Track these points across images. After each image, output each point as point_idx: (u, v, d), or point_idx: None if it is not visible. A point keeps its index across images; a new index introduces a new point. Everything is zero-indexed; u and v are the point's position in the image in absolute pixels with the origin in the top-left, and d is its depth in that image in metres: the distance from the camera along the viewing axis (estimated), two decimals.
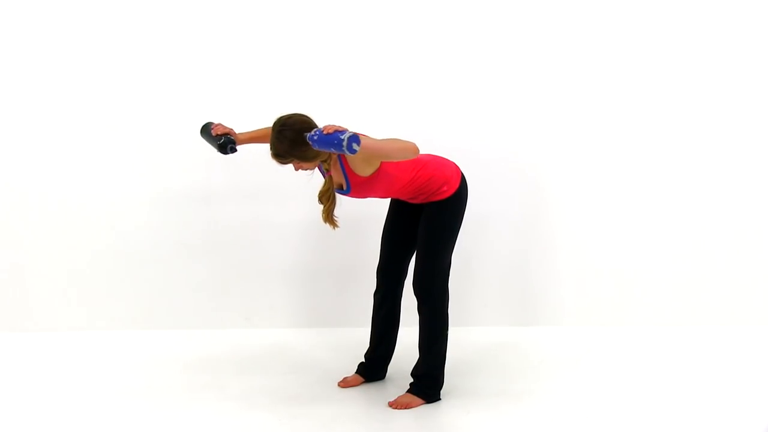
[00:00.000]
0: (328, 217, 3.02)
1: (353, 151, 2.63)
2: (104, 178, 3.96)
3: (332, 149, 2.65)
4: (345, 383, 3.28)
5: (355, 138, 2.63)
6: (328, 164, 2.93)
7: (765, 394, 3.19)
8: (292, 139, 2.78)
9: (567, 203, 4.09)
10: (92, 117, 3.93)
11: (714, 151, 4.09)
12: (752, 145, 4.08)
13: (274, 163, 2.87)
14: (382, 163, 2.89)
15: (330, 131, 2.65)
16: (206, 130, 3.10)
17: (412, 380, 3.12)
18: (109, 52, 3.90)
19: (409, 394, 3.07)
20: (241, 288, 4.05)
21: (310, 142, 2.70)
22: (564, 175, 4.08)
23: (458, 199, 3.07)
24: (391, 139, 2.80)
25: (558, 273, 4.12)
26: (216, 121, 3.11)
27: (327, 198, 3.00)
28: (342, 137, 2.61)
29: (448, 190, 3.04)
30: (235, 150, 3.02)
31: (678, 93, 4.05)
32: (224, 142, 2.99)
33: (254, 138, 3.10)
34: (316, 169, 2.99)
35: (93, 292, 3.99)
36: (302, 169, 2.90)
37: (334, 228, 3.04)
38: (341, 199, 3.03)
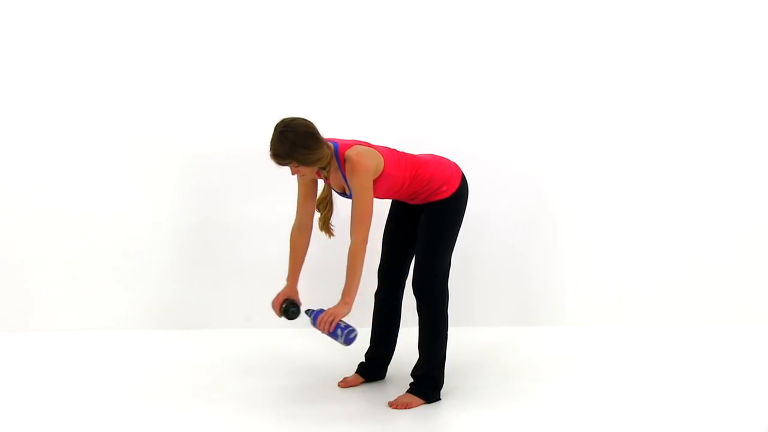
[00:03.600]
0: (325, 225, 3.02)
1: (351, 342, 2.87)
2: (104, 179, 3.96)
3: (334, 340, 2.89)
4: (345, 383, 3.28)
5: (350, 332, 2.85)
6: (327, 171, 2.92)
7: (765, 394, 3.19)
8: (294, 141, 2.78)
9: (567, 204, 4.09)
10: (93, 117, 3.94)
11: (713, 152, 4.09)
12: (752, 146, 4.09)
13: (273, 164, 2.86)
14: (383, 166, 2.90)
15: (331, 330, 2.84)
16: (290, 317, 3.08)
17: (412, 380, 3.11)
18: (112, 55, 3.91)
19: (409, 394, 3.07)
20: (241, 288, 4.05)
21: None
22: (564, 176, 4.08)
23: (458, 198, 3.07)
24: (349, 273, 2.88)
25: (558, 273, 4.12)
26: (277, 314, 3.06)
27: (324, 206, 3.00)
28: (339, 335, 2.85)
29: (448, 190, 3.04)
30: (298, 308, 3.03)
31: (677, 95, 4.06)
32: (285, 312, 3.01)
33: (296, 270, 3.10)
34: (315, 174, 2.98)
35: (93, 292, 3.99)
36: (299, 174, 2.89)
37: (329, 237, 3.05)
38: (339, 205, 3.03)
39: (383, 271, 3.26)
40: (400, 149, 3.08)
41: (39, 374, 3.37)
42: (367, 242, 2.86)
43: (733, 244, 4.12)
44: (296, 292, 3.07)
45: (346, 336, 2.85)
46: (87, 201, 3.97)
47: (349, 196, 3.00)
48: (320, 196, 3.01)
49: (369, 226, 2.86)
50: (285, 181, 3.14)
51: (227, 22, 3.93)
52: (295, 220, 3.09)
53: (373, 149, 2.93)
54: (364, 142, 2.97)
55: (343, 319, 2.87)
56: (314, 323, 2.90)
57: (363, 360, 3.34)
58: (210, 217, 4.01)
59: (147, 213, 3.99)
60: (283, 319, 3.03)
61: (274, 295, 3.06)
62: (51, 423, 2.88)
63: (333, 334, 2.86)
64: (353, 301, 2.86)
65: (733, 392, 3.19)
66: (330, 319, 2.83)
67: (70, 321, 3.96)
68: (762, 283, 4.12)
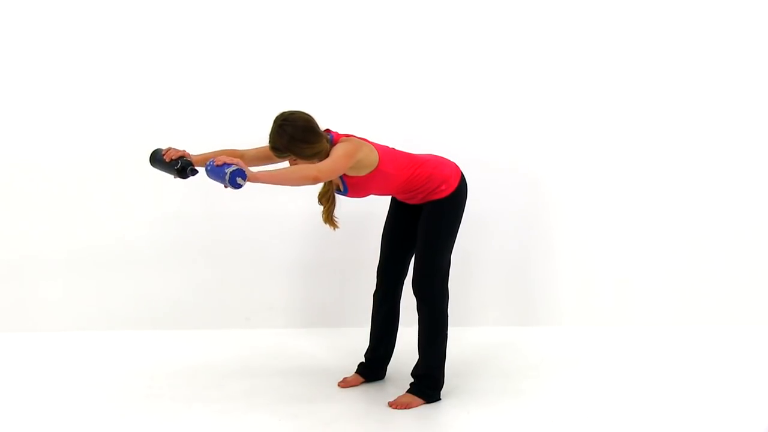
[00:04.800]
0: (328, 218, 3.02)
1: (237, 186, 2.58)
2: (104, 178, 3.96)
3: (219, 181, 2.61)
4: (345, 383, 3.28)
5: (238, 172, 2.57)
6: None
7: (765, 394, 3.19)
8: (292, 135, 2.79)
9: (567, 203, 4.09)
10: (93, 116, 3.93)
11: (713, 151, 4.09)
12: (751, 145, 4.09)
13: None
14: (378, 162, 2.90)
15: (219, 163, 2.60)
16: (157, 158, 2.88)
17: (412, 380, 3.12)
18: (112, 51, 3.90)
19: (409, 394, 3.07)
20: (241, 288, 4.05)
21: (206, 172, 2.64)
22: (564, 176, 4.08)
23: (457, 198, 3.07)
24: (291, 169, 2.75)
25: (558, 273, 4.12)
26: (164, 146, 2.93)
27: (327, 199, 3.01)
28: (226, 171, 2.56)
29: (447, 189, 3.04)
30: (196, 172, 2.83)
31: (676, 94, 4.06)
32: (182, 165, 2.79)
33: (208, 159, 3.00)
34: None
35: (93, 292, 3.99)
36: None
37: (334, 229, 3.05)
38: (340, 200, 3.03)
39: (382, 271, 3.26)
40: (399, 149, 3.08)
41: (39, 374, 3.37)
42: (315, 180, 2.72)
43: (732, 245, 4.12)
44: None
45: (232, 174, 2.55)
46: (87, 200, 3.96)
47: (343, 193, 3.00)
48: (321, 190, 3.01)
49: (326, 176, 2.75)
50: None
51: (231, 18, 3.92)
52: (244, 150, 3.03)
53: (370, 145, 2.93)
54: (362, 138, 2.97)
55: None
56: (209, 164, 2.62)
57: (363, 360, 3.34)
58: (210, 217, 4.01)
59: (147, 213, 3.98)
60: (160, 170, 2.85)
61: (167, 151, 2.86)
62: (51, 423, 2.88)
63: (220, 171, 2.57)
64: (256, 180, 2.62)
65: (733, 392, 3.20)
66: (228, 160, 2.60)
67: (70, 321, 3.96)
68: (762, 283, 4.12)
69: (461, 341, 3.64)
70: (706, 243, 4.12)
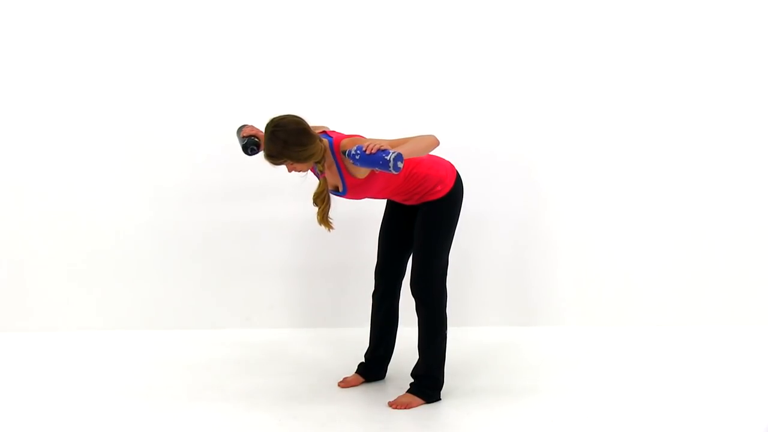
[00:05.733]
0: (323, 218, 3.00)
1: (399, 170, 2.68)
2: (104, 178, 3.96)
3: (377, 168, 2.71)
4: (345, 383, 3.28)
5: (399, 157, 2.68)
6: (323, 166, 2.90)
7: (765, 394, 3.19)
8: (285, 140, 2.78)
9: (567, 203, 4.09)
10: (92, 116, 3.93)
11: (713, 151, 4.09)
12: (752, 145, 4.08)
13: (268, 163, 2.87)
14: None
15: (373, 151, 2.69)
16: (239, 131, 3.18)
17: (412, 380, 3.12)
18: (110, 52, 3.90)
19: (409, 394, 3.07)
20: (241, 288, 4.05)
21: (351, 160, 2.75)
22: (564, 175, 4.08)
23: (453, 198, 3.07)
24: (414, 140, 2.85)
25: (558, 273, 4.11)
26: (250, 123, 3.19)
27: (322, 200, 2.98)
28: (387, 158, 2.66)
29: (443, 190, 3.04)
30: (257, 152, 3.05)
31: (677, 93, 4.05)
32: (246, 143, 3.04)
33: None
34: (310, 170, 2.98)
35: (93, 292, 3.99)
36: (295, 171, 2.89)
37: (329, 230, 3.03)
38: (336, 200, 3.03)
39: (380, 272, 3.26)
40: None
41: (39, 374, 3.37)
42: (437, 142, 2.90)
43: (733, 245, 4.11)
44: None
45: (395, 160, 2.66)
46: (86, 201, 3.96)
47: (341, 194, 2.99)
48: (316, 191, 2.99)
49: (430, 142, 2.89)
50: (286, 180, 3.14)
51: (232, 18, 3.92)
52: None
53: None
54: (359, 136, 2.97)
55: None
56: (357, 151, 2.73)
57: (363, 360, 3.34)
58: (210, 217, 4.01)
59: (147, 213, 3.98)
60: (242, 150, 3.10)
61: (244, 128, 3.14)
62: (50, 423, 2.88)
63: (378, 158, 2.68)
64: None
65: (733, 392, 3.19)
66: (377, 145, 2.71)
67: (70, 321, 3.96)
68: (762, 283, 4.12)
69: (461, 341, 3.63)
70: (707, 243, 4.12)
